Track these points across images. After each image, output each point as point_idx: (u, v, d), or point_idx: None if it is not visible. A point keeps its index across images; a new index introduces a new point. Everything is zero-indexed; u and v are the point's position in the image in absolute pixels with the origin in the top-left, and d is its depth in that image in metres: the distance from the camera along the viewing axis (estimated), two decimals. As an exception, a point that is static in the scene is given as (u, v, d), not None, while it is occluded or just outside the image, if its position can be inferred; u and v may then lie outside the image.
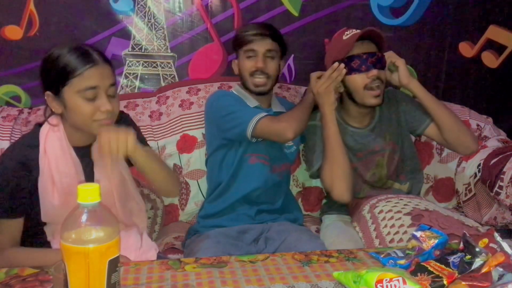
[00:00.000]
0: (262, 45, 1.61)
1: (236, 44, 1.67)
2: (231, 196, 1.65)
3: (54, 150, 1.20)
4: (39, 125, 1.25)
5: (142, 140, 1.46)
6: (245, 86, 1.67)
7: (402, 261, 0.99)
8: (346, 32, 1.59)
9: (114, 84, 1.18)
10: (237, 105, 1.61)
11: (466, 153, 1.75)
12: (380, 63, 1.56)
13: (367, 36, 1.55)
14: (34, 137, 1.22)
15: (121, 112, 1.42)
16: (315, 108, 1.65)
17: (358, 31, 1.57)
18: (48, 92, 1.18)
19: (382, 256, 1.04)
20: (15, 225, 1.21)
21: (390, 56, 1.59)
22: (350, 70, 1.55)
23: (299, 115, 1.59)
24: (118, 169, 1.32)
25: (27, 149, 1.20)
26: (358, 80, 1.56)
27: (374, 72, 1.53)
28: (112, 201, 1.30)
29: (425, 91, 1.59)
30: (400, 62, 1.58)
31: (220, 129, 1.63)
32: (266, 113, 1.56)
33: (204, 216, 1.69)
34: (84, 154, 1.25)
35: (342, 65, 1.54)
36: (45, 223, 1.25)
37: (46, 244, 1.25)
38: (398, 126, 1.71)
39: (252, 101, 1.66)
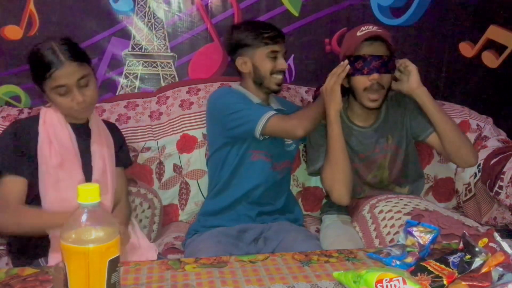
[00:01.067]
0: (282, 47, 1.64)
1: (253, 44, 1.61)
2: (232, 193, 1.65)
3: (52, 121, 1.35)
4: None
5: (125, 157, 1.56)
6: (258, 85, 1.65)
7: (408, 259, 0.99)
8: (362, 28, 1.56)
9: (84, 76, 1.29)
10: (243, 103, 1.60)
11: (463, 166, 1.74)
12: (384, 67, 1.53)
13: (378, 37, 1.53)
14: (35, 114, 1.39)
15: (111, 123, 1.58)
16: None
17: (374, 28, 1.55)
18: (36, 85, 1.33)
19: (382, 255, 1.04)
20: (20, 184, 1.30)
21: (404, 61, 1.58)
22: (354, 71, 1.54)
23: (311, 113, 1.59)
24: (111, 149, 1.43)
25: (28, 120, 1.41)
26: (359, 81, 1.55)
27: (375, 76, 1.52)
28: (106, 180, 1.37)
29: (432, 100, 1.57)
30: (413, 67, 1.56)
31: (225, 128, 1.62)
32: (274, 111, 1.56)
33: (205, 213, 1.69)
34: (79, 132, 1.38)
35: (346, 61, 1.53)
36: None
37: (44, 238, 1.27)
38: (402, 130, 1.70)
39: (254, 99, 1.66)
